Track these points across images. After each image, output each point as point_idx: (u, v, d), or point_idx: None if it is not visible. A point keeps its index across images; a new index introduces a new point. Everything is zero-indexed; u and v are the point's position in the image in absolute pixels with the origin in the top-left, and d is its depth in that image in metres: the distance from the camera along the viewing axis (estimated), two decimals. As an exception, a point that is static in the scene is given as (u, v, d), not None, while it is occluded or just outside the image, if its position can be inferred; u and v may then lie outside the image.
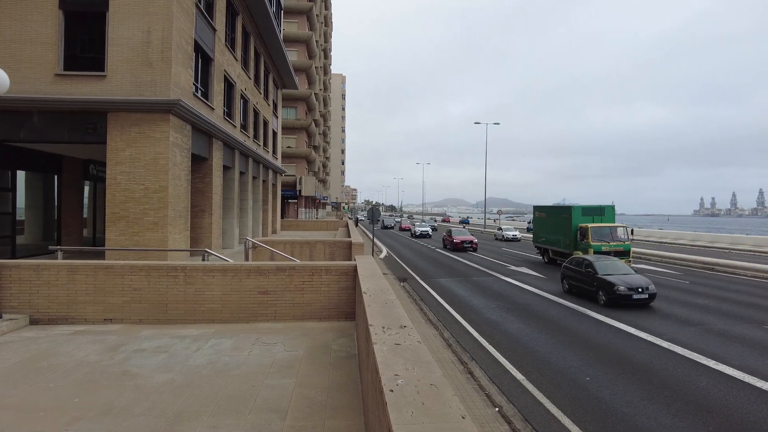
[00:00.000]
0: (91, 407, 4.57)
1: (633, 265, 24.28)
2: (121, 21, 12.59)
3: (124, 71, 12.63)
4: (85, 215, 17.78)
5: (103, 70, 12.64)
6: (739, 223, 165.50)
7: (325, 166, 78.52)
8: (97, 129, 12.67)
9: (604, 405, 6.75)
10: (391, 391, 2.45)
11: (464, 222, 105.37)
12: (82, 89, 12.54)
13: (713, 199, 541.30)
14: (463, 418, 2.16)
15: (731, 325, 11.37)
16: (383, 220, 69.33)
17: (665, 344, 9.70)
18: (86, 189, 17.89)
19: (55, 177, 16.20)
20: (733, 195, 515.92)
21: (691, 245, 38.30)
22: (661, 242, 41.87)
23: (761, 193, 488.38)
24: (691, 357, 8.89)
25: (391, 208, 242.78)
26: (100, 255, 13.42)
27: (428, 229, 46.72)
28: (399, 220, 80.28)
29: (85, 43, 13.12)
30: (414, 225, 50.59)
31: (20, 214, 14.68)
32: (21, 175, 14.54)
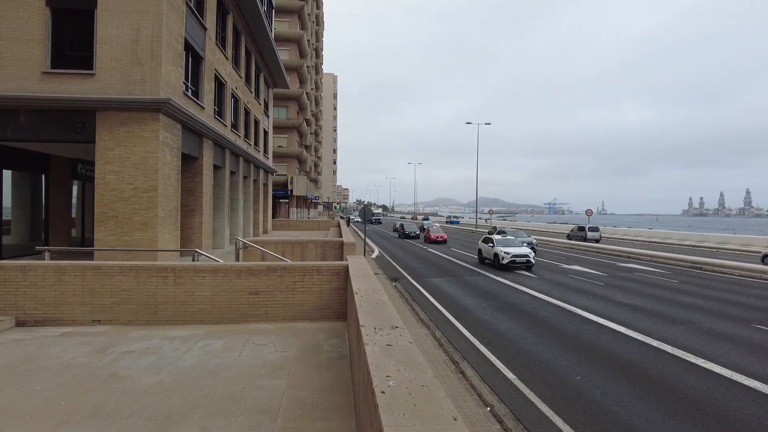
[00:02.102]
0: (79, 410, 4.51)
1: (626, 264, 24.53)
2: (110, 19, 12.46)
3: (113, 70, 12.50)
4: (73, 215, 17.56)
5: (92, 69, 12.50)
6: (727, 223, 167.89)
7: (316, 165, 78.38)
8: (85, 128, 12.52)
9: (595, 404, 6.79)
10: (383, 392, 2.44)
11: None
12: (71, 88, 12.38)
13: (701, 199, 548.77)
14: (455, 419, 2.15)
15: (719, 324, 11.51)
16: (403, 226, 46.45)
17: (655, 343, 9.79)
18: (75, 188, 17.68)
19: (43, 176, 15.99)
20: (721, 195, 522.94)
21: (680, 245, 38.76)
22: (650, 242, 42.32)
23: (748, 193, 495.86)
24: (679, 355, 8.98)
25: (383, 207, 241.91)
26: (89, 255, 13.26)
27: (527, 252, 21.99)
28: (428, 225, 51.00)
29: (73, 41, 12.96)
30: (501, 243, 22.84)
31: (6, 213, 14.47)
32: (7, 174, 14.33)
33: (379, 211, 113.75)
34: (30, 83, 12.24)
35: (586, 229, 41.52)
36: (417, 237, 43.99)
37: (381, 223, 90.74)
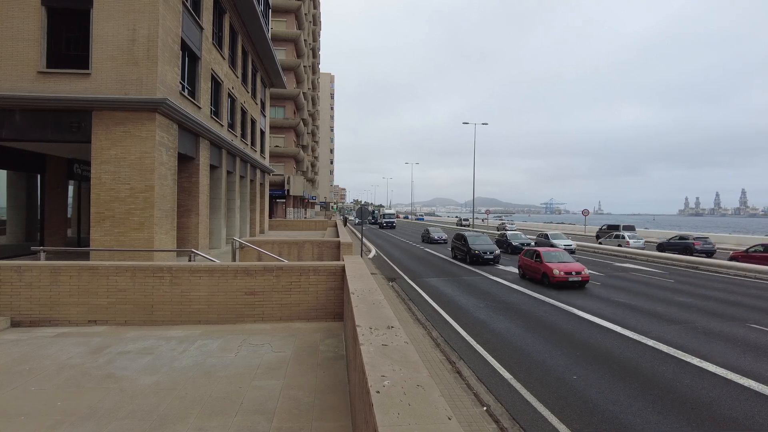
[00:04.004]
0: (74, 411, 4.49)
1: (622, 264, 24.58)
2: (106, 18, 12.41)
3: (110, 69, 12.45)
4: (69, 215, 17.49)
5: (88, 68, 12.45)
6: (723, 223, 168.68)
7: (313, 165, 78.27)
8: (81, 128, 12.47)
9: (591, 403, 6.81)
10: (378, 392, 2.45)
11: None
12: (66, 87, 12.33)
13: (698, 199, 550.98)
14: (450, 418, 2.16)
15: (714, 323, 11.56)
16: (466, 239, 26.12)
17: (651, 342, 9.83)
18: (71, 188, 17.61)
19: (39, 176, 15.92)
20: (717, 195, 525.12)
21: (676, 244, 38.82)
22: (647, 242, 42.41)
23: (744, 193, 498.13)
24: (675, 355, 9.02)
25: (380, 207, 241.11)
26: (85, 256, 13.23)
27: None
28: (517, 241, 30.90)
29: (69, 40, 12.90)
30: None
31: (2, 214, 14.40)
32: (3, 174, 14.26)
33: (392, 212, 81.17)
34: (25, 83, 12.19)
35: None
36: (495, 261, 24.43)
37: (394, 227, 66.82)
